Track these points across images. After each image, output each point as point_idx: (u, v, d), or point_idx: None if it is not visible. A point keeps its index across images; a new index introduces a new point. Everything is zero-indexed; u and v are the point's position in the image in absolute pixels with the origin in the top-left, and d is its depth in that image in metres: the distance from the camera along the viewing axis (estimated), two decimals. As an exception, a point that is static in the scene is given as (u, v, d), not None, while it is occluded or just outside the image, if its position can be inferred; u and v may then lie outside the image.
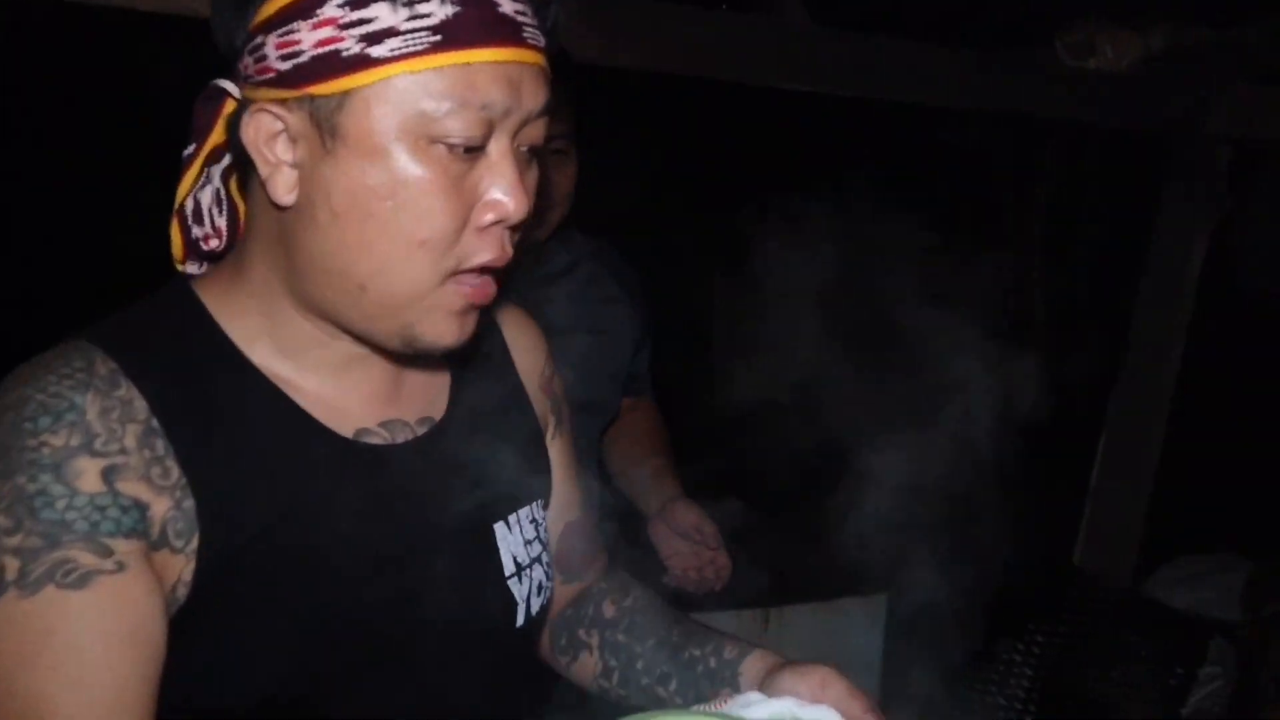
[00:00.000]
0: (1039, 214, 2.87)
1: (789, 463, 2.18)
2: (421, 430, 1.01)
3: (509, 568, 1.04)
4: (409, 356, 0.98)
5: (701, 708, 0.94)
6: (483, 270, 0.90)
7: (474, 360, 1.07)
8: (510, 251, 0.91)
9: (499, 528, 1.04)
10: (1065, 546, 3.14)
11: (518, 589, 1.04)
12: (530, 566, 1.06)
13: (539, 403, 1.15)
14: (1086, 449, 3.11)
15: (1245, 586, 2.90)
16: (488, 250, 0.88)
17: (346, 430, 0.96)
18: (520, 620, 1.04)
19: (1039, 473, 2.60)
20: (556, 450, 1.17)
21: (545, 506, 1.14)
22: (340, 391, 0.97)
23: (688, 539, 1.96)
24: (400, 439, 0.99)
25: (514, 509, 1.07)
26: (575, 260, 1.99)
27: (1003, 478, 2.39)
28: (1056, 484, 3.02)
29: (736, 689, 1.06)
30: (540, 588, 1.07)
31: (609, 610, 1.20)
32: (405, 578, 0.95)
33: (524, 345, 1.16)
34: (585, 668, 1.19)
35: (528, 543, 1.07)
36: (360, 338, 0.94)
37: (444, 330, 0.91)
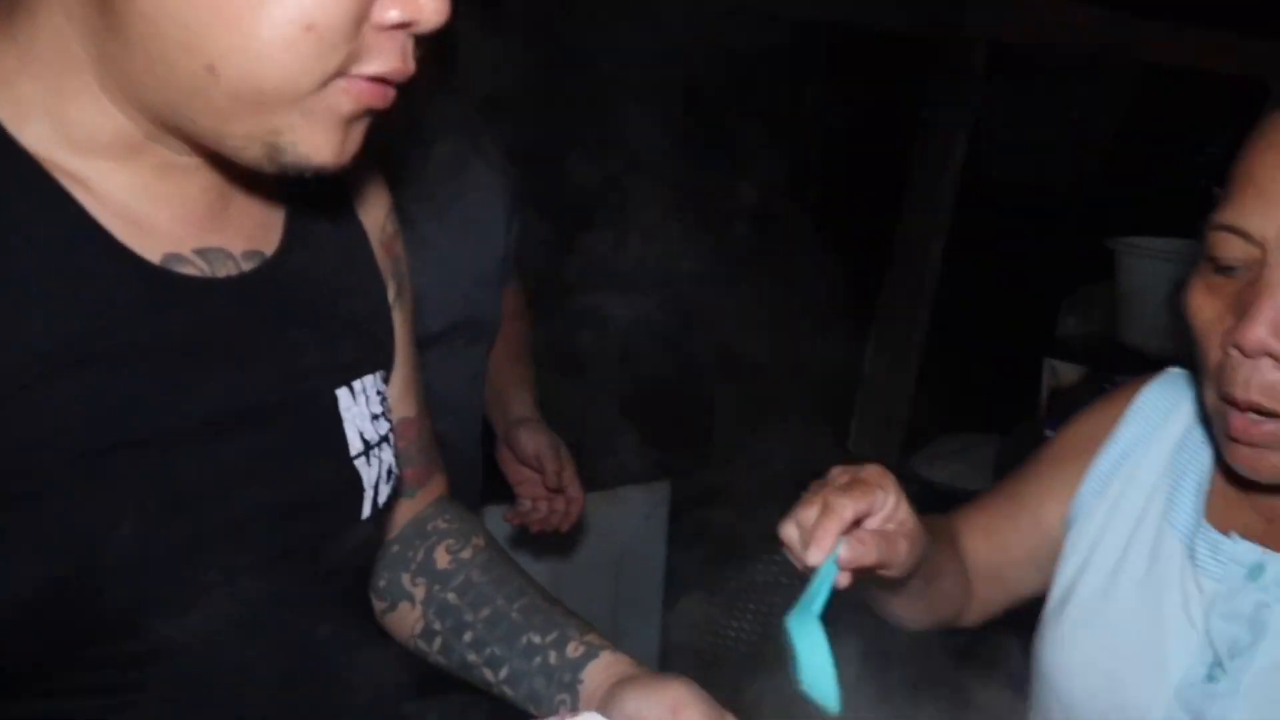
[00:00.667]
0: (812, 114, 2.96)
1: (572, 352, 2.12)
2: (248, 265, 0.80)
3: (355, 444, 0.86)
4: (239, 173, 0.78)
5: None
6: (375, 80, 0.71)
7: (313, 194, 0.86)
8: (412, 66, 0.72)
9: (342, 394, 0.86)
10: (842, 434, 3.32)
11: (366, 471, 0.86)
12: (379, 447, 0.89)
13: (380, 260, 0.96)
14: (860, 340, 3.28)
15: (995, 458, 3.18)
16: (387, 57, 0.70)
17: (152, 254, 0.74)
18: (366, 509, 0.87)
19: (816, 363, 2.73)
20: (398, 323, 0.98)
21: (387, 382, 0.95)
22: (147, 203, 0.74)
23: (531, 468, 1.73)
24: (221, 273, 0.78)
25: (358, 374, 0.88)
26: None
27: (781, 369, 2.49)
28: (834, 374, 3.17)
29: (575, 697, 0.91)
30: (390, 473, 0.90)
31: (442, 559, 1.00)
32: (224, 446, 0.76)
33: (367, 193, 0.96)
34: (404, 621, 1.00)
35: (375, 418, 0.89)
36: (194, 140, 0.73)
37: (322, 143, 0.70)
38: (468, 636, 0.96)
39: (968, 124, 3.02)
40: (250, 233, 0.82)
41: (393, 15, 0.68)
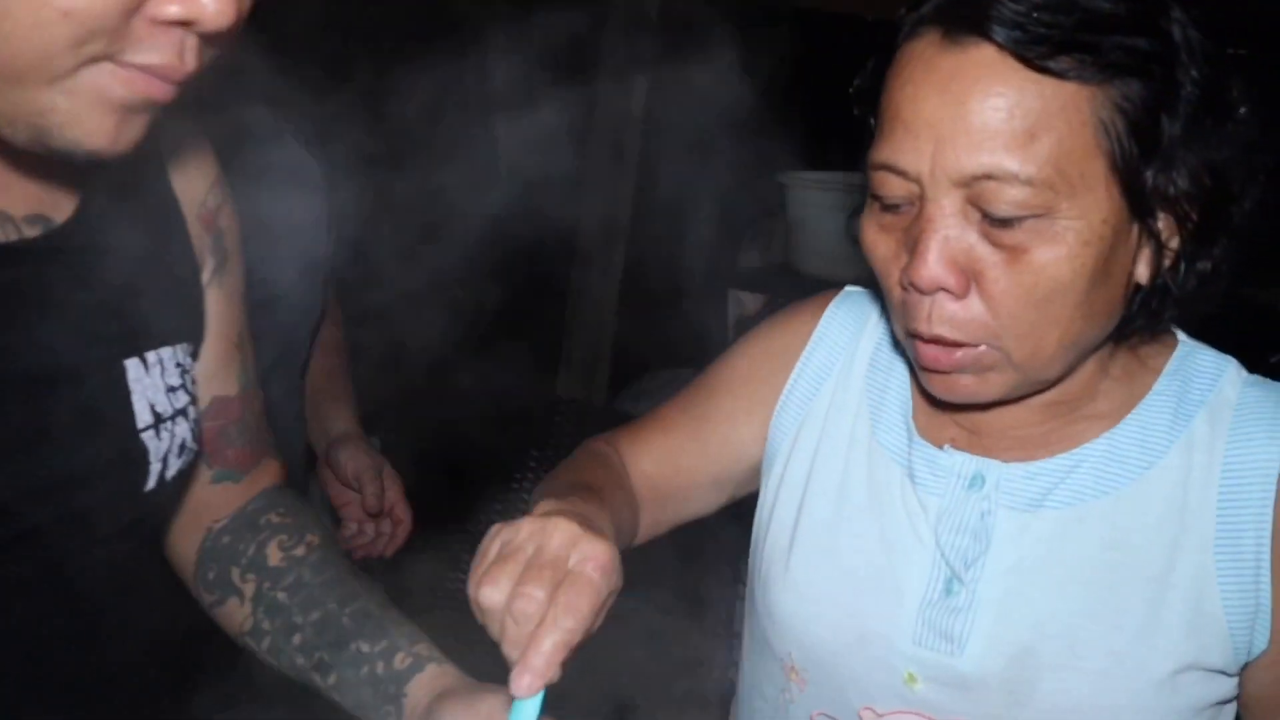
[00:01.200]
0: (496, 64, 2.94)
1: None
2: (32, 232, 0.78)
3: (143, 417, 0.84)
4: None
5: None
6: (148, 72, 0.68)
7: (124, 166, 0.81)
8: (191, 65, 0.69)
9: (132, 365, 0.84)
10: (550, 379, 3.37)
11: (154, 444, 0.85)
12: (173, 420, 0.87)
13: (196, 235, 0.93)
14: (563, 288, 3.33)
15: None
16: (161, 52, 0.67)
17: None
18: (151, 482, 0.85)
19: (524, 314, 2.75)
20: (215, 299, 0.95)
21: (194, 357, 0.93)
22: None
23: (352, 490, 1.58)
24: (1, 238, 0.76)
25: (152, 346, 0.86)
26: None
27: (488, 321, 2.49)
28: (541, 323, 3.21)
29: (400, 710, 0.90)
30: (183, 448, 0.88)
31: (274, 555, 0.98)
32: (4, 419, 0.75)
33: (187, 163, 0.92)
34: (232, 617, 0.98)
35: (171, 390, 0.87)
36: None
37: (94, 129, 0.68)
38: (297, 639, 0.94)
39: (645, 69, 3.11)
40: (38, 198, 0.79)
41: (171, 11, 0.66)
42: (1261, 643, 0.84)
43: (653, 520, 1.06)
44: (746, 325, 3.01)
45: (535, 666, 0.68)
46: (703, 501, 1.10)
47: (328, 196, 1.61)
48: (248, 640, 0.98)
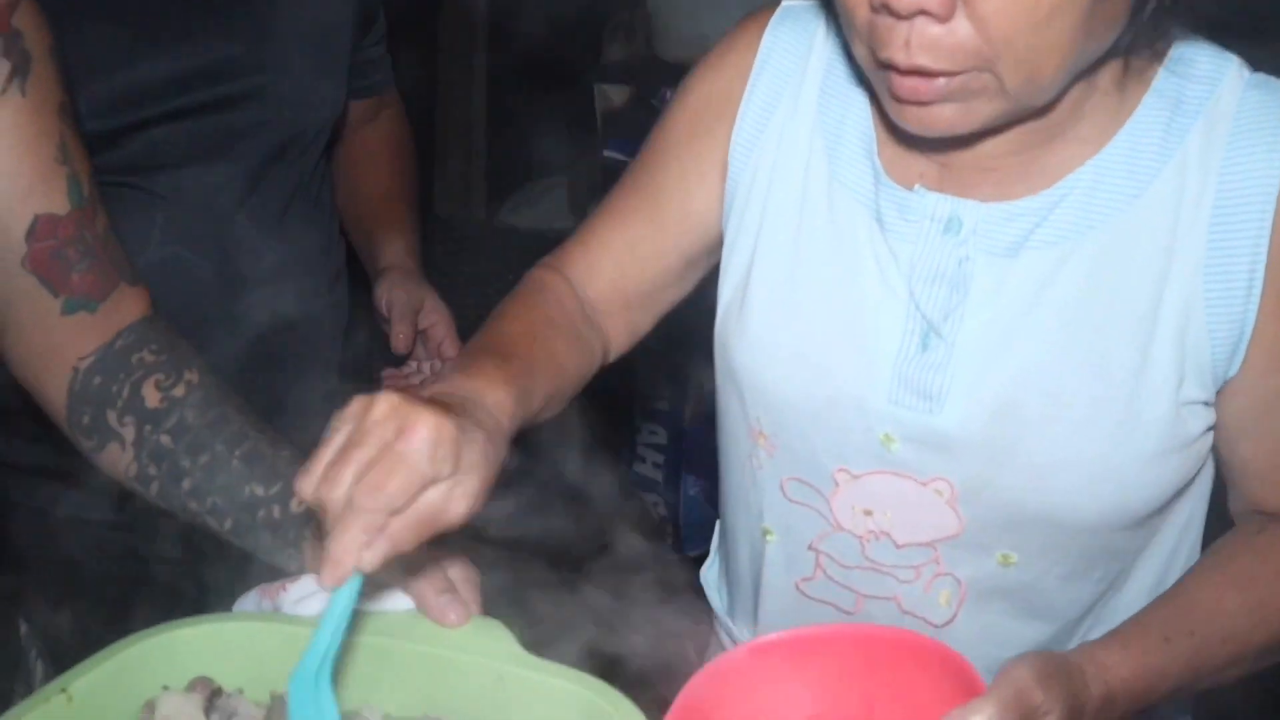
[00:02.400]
0: None
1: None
2: None
3: None
4: None
5: (254, 596, 0.80)
6: None
7: None
8: None
9: None
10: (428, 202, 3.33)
11: None
12: None
13: None
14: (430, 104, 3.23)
15: (568, 194, 3.35)
16: None
17: None
18: None
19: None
20: (16, 109, 0.86)
21: None
22: None
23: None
24: None
25: None
26: None
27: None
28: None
29: (301, 554, 0.86)
30: None
31: (152, 397, 0.91)
32: None
33: None
34: (115, 463, 0.92)
35: None
36: None
37: None
38: (186, 484, 0.90)
39: None
40: None
41: None
42: (1238, 365, 0.80)
43: (629, 325, 0.98)
44: (613, 118, 2.98)
45: (333, 555, 0.64)
46: (679, 287, 0.99)
47: None
48: (135, 485, 0.92)
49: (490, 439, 0.70)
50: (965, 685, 0.63)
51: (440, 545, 0.77)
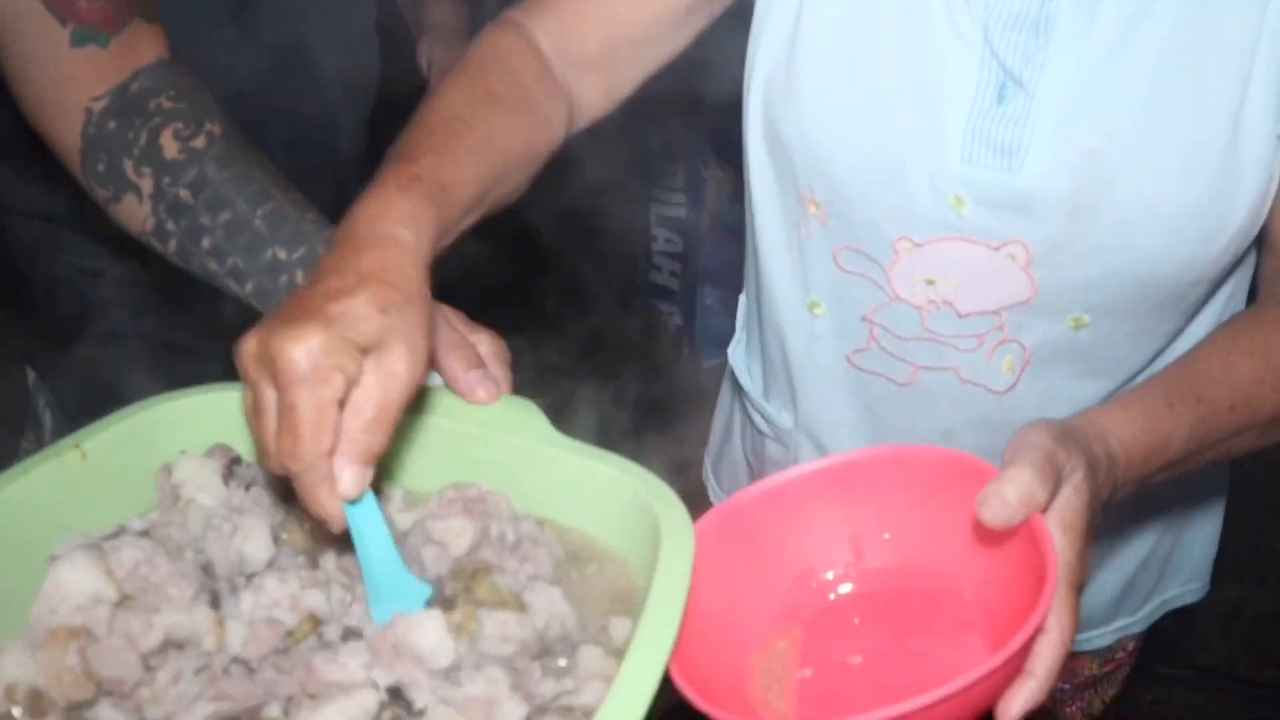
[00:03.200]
0: None
1: None
2: None
3: None
4: None
5: None
6: None
7: None
8: None
9: None
10: None
11: None
12: None
13: None
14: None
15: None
16: None
17: None
18: None
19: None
20: None
21: None
22: None
23: None
24: None
25: None
26: None
27: None
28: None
29: None
30: None
31: (170, 147, 0.87)
32: None
33: None
34: (132, 215, 0.88)
35: None
36: None
37: None
38: (206, 243, 0.85)
39: None
40: None
41: None
42: None
43: (608, 83, 0.88)
44: None
45: (317, 514, 0.57)
46: (674, 38, 0.88)
47: None
48: (152, 242, 0.89)
49: (390, 289, 0.58)
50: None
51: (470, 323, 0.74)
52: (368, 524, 0.59)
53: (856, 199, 0.82)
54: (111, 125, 0.87)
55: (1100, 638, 1.02)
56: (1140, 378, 0.86)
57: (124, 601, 0.56)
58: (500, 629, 0.57)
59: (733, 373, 1.05)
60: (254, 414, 0.57)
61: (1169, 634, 1.05)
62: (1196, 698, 2.05)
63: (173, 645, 0.56)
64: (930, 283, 0.82)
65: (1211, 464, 0.76)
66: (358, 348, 0.55)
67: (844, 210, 0.83)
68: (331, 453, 0.55)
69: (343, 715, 0.50)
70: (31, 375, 1.02)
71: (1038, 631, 0.56)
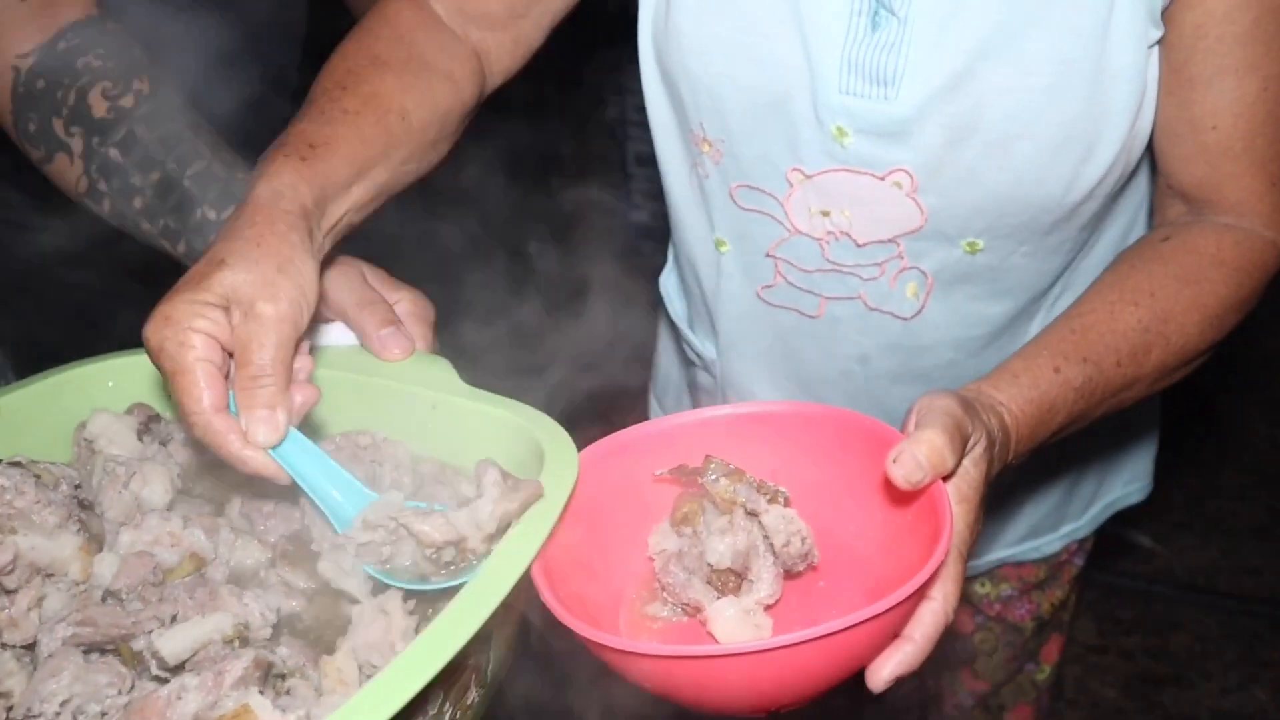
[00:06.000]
0: None
1: None
2: None
3: None
4: None
5: None
6: None
7: None
8: None
9: None
10: None
11: None
12: None
13: None
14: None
15: None
16: None
17: None
18: None
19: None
20: None
21: None
22: None
23: None
24: None
25: None
26: None
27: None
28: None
29: None
30: None
31: (99, 106, 0.86)
32: None
33: None
34: (64, 175, 0.88)
35: None
36: None
37: None
38: (138, 203, 0.85)
39: None
40: None
41: None
42: None
43: (514, 39, 0.87)
44: None
45: (242, 467, 0.61)
46: None
47: None
48: (86, 202, 0.89)
49: (247, 244, 0.61)
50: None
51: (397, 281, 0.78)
52: (300, 460, 0.61)
53: (744, 134, 0.83)
54: (40, 84, 0.87)
55: (1049, 544, 1.05)
56: (1054, 290, 0.87)
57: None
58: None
59: (664, 303, 1.08)
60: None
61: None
62: (1178, 612, 2.07)
63: (38, 572, 0.58)
64: (825, 214, 0.84)
65: (1103, 419, 0.77)
66: (213, 306, 0.59)
67: (734, 147, 0.84)
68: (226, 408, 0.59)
69: (197, 631, 0.53)
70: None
71: (920, 596, 0.56)
